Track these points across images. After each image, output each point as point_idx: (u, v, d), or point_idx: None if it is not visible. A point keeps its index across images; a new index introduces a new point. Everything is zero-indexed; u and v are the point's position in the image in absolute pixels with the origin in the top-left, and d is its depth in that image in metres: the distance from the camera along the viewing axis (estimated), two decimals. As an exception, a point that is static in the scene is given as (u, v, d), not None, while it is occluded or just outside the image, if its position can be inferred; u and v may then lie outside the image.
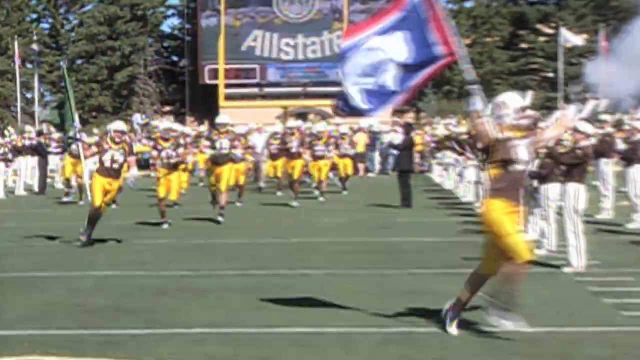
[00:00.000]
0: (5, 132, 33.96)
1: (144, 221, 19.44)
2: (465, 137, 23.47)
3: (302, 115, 48.50)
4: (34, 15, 62.22)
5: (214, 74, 55.52)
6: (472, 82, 8.76)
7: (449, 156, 28.89)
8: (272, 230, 18.15)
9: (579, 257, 12.48)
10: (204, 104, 55.97)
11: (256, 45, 56.70)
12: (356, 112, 9.49)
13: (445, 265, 13.00)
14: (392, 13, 9.19)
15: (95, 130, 35.10)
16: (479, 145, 18.12)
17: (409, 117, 53.97)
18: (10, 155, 29.74)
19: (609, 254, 13.71)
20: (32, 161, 30.96)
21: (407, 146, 24.17)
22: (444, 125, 35.52)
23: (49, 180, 31.39)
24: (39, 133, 33.02)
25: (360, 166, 40.04)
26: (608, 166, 20.12)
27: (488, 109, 8.69)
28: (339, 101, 9.48)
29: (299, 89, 55.63)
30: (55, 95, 59.80)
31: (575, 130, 12.41)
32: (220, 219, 19.27)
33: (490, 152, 8.54)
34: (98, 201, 15.72)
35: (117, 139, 15.92)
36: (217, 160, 20.00)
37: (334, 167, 29.45)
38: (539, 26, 59.48)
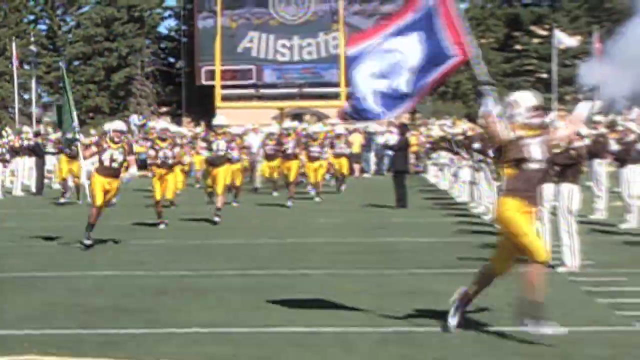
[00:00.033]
0: (3, 132, 33.97)
1: (140, 222, 19.45)
2: (460, 137, 23.60)
3: (298, 116, 48.59)
4: (32, 17, 62.23)
5: (211, 75, 55.56)
6: (485, 82, 8.68)
7: (444, 157, 29.00)
8: (269, 231, 18.18)
9: (572, 257, 12.55)
10: (200, 105, 55.98)
11: (252, 46, 56.76)
12: (366, 116, 9.39)
13: (445, 265, 13.04)
14: (407, 14, 9.08)
15: (93, 131, 35.22)
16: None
17: (404, 117, 53.99)
18: (7, 156, 29.82)
19: (602, 254, 13.76)
20: (29, 162, 30.98)
21: (402, 147, 24.25)
22: (439, 126, 35.55)
23: (46, 181, 31.44)
24: (37, 134, 33.08)
25: (356, 167, 40.08)
26: (601, 167, 20.17)
27: (500, 108, 8.64)
28: (348, 106, 9.28)
29: (295, 90, 55.68)
30: (52, 97, 59.88)
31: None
32: (216, 219, 19.27)
33: (503, 152, 8.49)
34: (99, 201, 15.70)
35: (116, 139, 15.93)
36: (214, 162, 20.06)
37: (329, 170, 29.55)
38: (533, 28, 59.61)
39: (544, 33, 58.03)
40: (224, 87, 54.83)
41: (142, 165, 20.77)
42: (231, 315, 9.64)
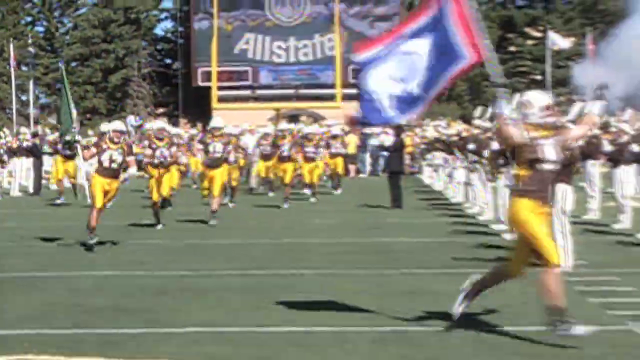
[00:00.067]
0: (1, 133, 34.01)
1: (137, 222, 19.41)
2: (455, 139, 23.73)
3: (294, 117, 48.68)
4: (29, 19, 62.45)
5: (207, 76, 55.57)
6: (499, 84, 8.63)
7: (438, 157, 29.10)
8: (265, 231, 18.20)
9: (566, 257, 12.65)
10: (197, 106, 56.07)
11: (248, 48, 56.87)
12: (377, 121, 9.31)
13: (444, 265, 13.09)
14: (422, 16, 8.99)
15: (90, 132, 35.31)
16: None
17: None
18: (5, 157, 29.91)
19: (595, 254, 13.79)
20: (27, 162, 31.04)
21: (397, 148, 24.36)
22: (433, 127, 35.66)
23: (43, 181, 31.50)
24: (34, 135, 33.16)
25: (351, 167, 40.18)
26: (595, 167, 20.20)
27: (513, 109, 8.61)
28: (357, 113, 9.09)
29: (291, 91, 55.78)
30: (50, 98, 59.97)
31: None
32: (212, 222, 19.23)
33: (517, 153, 8.41)
34: (99, 202, 15.62)
35: (115, 139, 15.87)
36: (210, 165, 20.02)
37: (326, 172, 29.65)
38: (527, 30, 59.75)
39: (538, 35, 58.16)
40: (220, 88, 54.87)
41: (140, 166, 20.81)
42: (231, 315, 9.63)
